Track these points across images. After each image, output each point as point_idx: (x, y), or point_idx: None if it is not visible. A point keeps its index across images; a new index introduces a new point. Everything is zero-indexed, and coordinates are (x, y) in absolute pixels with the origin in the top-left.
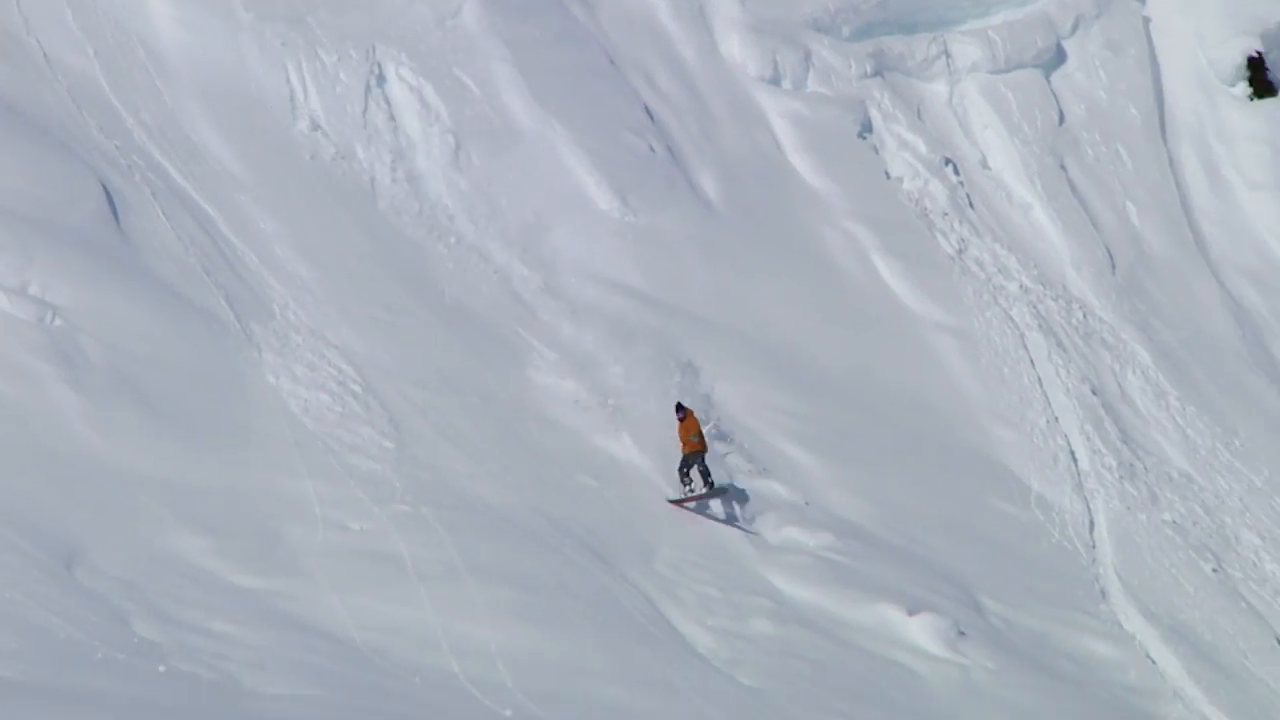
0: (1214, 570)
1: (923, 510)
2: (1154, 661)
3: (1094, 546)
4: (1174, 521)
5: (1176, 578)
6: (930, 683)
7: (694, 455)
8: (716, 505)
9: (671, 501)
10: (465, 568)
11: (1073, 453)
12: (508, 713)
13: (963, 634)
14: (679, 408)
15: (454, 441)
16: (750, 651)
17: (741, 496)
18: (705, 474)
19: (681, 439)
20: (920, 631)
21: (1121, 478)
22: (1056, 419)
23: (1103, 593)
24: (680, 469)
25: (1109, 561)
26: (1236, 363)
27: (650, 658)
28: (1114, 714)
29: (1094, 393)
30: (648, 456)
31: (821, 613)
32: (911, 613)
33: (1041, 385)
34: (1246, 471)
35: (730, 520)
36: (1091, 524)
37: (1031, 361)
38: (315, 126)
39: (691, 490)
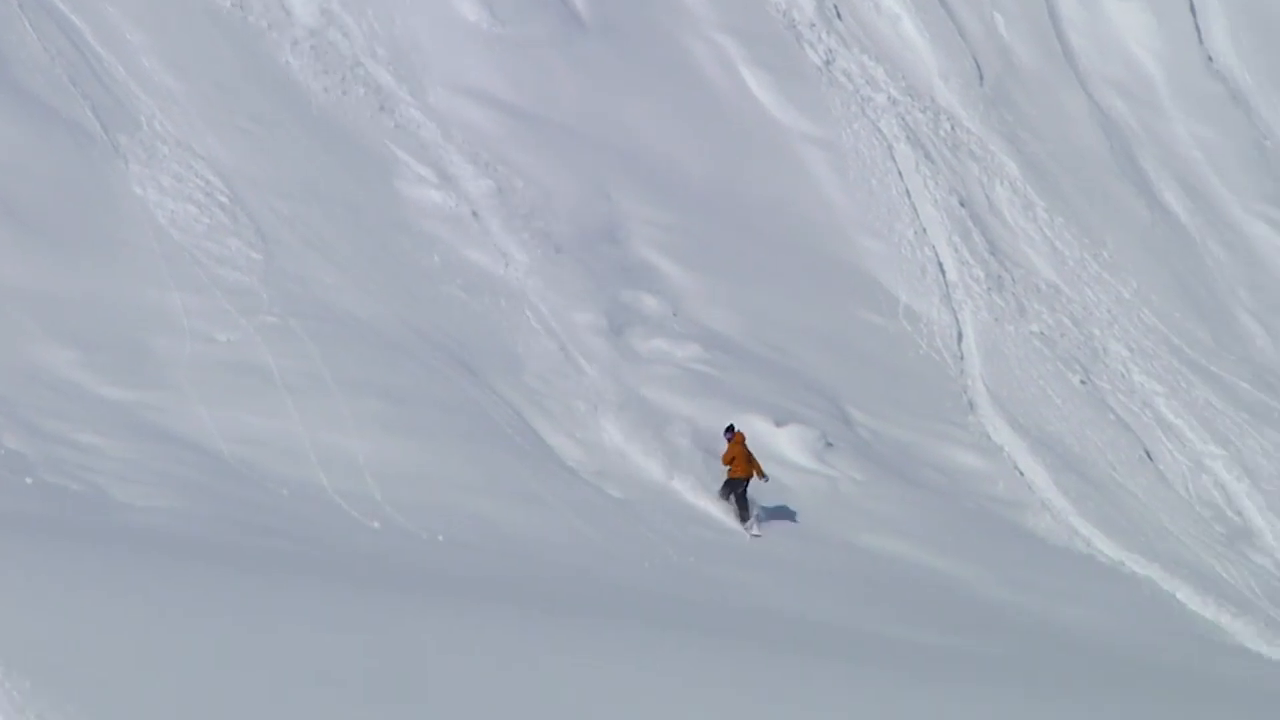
0: (1082, 382)
1: (790, 322)
2: (1022, 473)
3: (962, 358)
4: (1042, 333)
5: (1045, 389)
6: (798, 494)
7: (737, 481)
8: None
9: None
10: (333, 379)
11: (940, 264)
12: (375, 524)
13: (830, 445)
14: (729, 429)
15: (322, 253)
16: (618, 464)
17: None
18: (743, 507)
19: (727, 461)
20: (788, 442)
21: (989, 289)
22: (924, 230)
23: (971, 404)
24: (722, 489)
25: (977, 373)
26: (1104, 174)
27: (518, 469)
28: (982, 525)
29: (962, 204)
30: (516, 268)
31: (689, 424)
32: (779, 424)
33: (909, 197)
34: (1114, 283)
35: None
36: (960, 335)
37: (900, 173)
38: None
39: (734, 509)
